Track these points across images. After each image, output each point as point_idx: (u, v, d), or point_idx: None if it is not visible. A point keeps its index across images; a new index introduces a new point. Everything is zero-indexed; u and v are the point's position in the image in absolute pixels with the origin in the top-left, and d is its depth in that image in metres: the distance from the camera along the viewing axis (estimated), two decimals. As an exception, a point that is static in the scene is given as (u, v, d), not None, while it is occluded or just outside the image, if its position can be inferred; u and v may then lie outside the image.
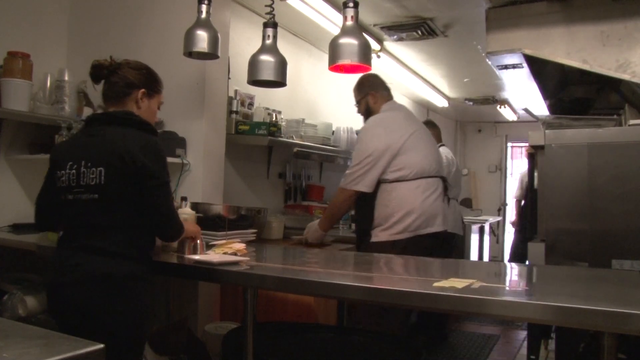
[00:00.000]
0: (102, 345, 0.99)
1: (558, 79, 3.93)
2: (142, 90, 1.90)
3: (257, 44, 2.80)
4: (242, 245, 2.23)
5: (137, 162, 1.72)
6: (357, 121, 3.16)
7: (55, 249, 1.82)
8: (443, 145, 4.55)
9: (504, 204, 8.34)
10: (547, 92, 4.16)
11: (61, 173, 1.78)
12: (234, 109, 3.46)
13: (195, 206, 2.50)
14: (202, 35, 2.55)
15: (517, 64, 4.81)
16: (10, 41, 2.91)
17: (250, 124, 3.46)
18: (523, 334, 4.53)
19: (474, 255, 5.67)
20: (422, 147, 2.87)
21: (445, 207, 2.94)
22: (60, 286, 1.71)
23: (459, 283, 1.58)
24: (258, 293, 2.16)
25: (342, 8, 2.44)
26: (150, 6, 3.07)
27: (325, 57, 2.49)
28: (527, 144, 2.85)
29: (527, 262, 2.75)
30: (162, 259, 2.05)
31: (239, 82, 3.40)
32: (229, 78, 3.23)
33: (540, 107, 5.28)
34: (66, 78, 3.02)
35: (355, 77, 3.09)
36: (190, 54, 2.64)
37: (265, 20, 2.79)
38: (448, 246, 4.15)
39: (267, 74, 2.75)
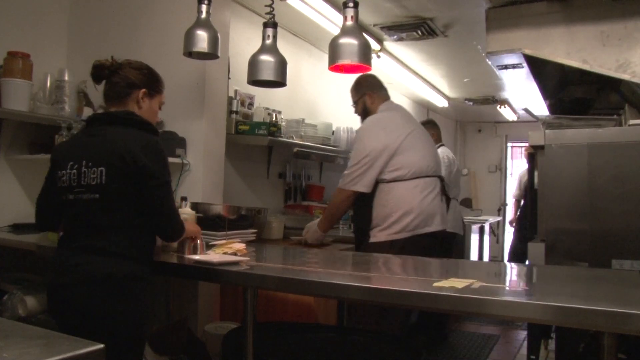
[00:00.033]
0: (102, 345, 0.99)
1: (558, 79, 3.93)
2: (143, 90, 1.90)
3: (257, 44, 2.80)
4: (242, 245, 2.23)
5: (138, 162, 1.72)
6: (357, 121, 3.17)
7: (55, 249, 1.82)
8: (442, 145, 4.54)
9: (504, 204, 8.34)
10: (547, 92, 4.16)
11: (62, 173, 1.78)
12: (234, 109, 3.46)
13: (195, 206, 2.51)
14: (202, 35, 2.55)
15: (517, 64, 4.81)
16: (10, 41, 2.91)
17: (250, 124, 3.46)
18: (523, 334, 4.53)
19: (474, 255, 5.67)
20: (420, 147, 2.87)
21: (443, 206, 2.94)
22: (61, 286, 1.71)
23: (459, 283, 1.58)
24: (258, 293, 2.16)
25: (342, 8, 2.44)
26: (150, 6, 3.07)
27: (325, 57, 2.49)
28: (527, 144, 2.85)
29: (527, 262, 2.75)
30: (162, 259, 2.05)
31: (239, 82, 3.40)
32: (229, 78, 3.23)
33: (540, 107, 5.28)
34: (66, 78, 3.02)
35: (355, 77, 3.10)
36: (190, 54, 2.64)
37: (265, 20, 2.79)
38: (449, 246, 4.16)
39: (267, 74, 2.75)
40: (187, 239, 2.09)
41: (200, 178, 2.90)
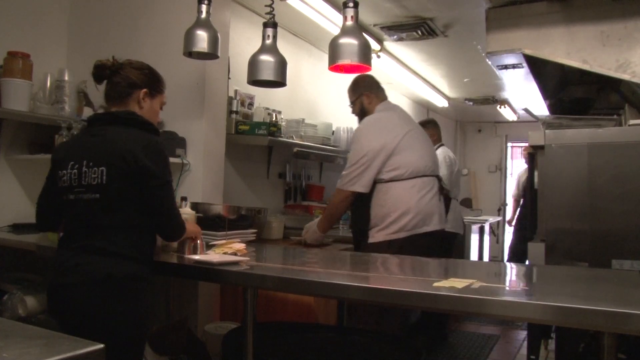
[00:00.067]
0: (102, 345, 0.99)
1: (558, 79, 3.93)
2: (144, 90, 1.90)
3: (257, 44, 2.80)
4: (242, 245, 2.23)
5: (138, 162, 1.72)
6: (356, 121, 3.17)
7: (55, 250, 1.82)
8: (442, 145, 4.54)
9: (504, 204, 8.33)
10: (547, 92, 4.16)
11: (63, 173, 1.78)
12: (234, 109, 3.46)
13: (195, 206, 2.51)
14: (202, 35, 2.55)
15: (517, 64, 4.81)
16: (10, 41, 2.91)
17: (250, 124, 3.46)
18: (523, 334, 4.53)
19: (474, 255, 5.67)
20: (417, 147, 2.87)
21: (441, 206, 2.94)
22: (61, 287, 1.71)
23: (459, 283, 1.58)
24: (258, 293, 2.16)
25: (342, 8, 2.44)
26: (150, 6, 3.07)
27: (325, 57, 2.49)
28: (526, 144, 2.85)
29: (527, 262, 2.75)
30: (162, 259, 2.05)
31: (239, 82, 3.40)
32: (229, 78, 3.23)
33: (540, 107, 5.28)
34: (66, 78, 3.02)
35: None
36: (190, 54, 2.64)
37: (265, 20, 2.79)
38: (449, 246, 4.16)
39: (267, 74, 2.75)
40: (187, 239, 2.09)
41: (200, 178, 2.90)
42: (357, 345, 2.42)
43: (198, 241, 2.11)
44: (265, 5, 2.76)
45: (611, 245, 2.30)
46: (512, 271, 2.35)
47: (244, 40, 3.60)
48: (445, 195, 3.21)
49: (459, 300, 1.46)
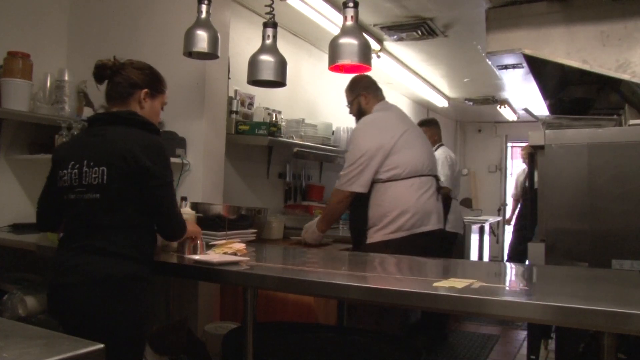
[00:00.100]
0: (102, 345, 0.99)
1: (558, 79, 3.93)
2: (145, 90, 1.90)
3: (257, 44, 2.80)
4: (242, 245, 2.23)
5: (139, 162, 1.72)
6: (354, 121, 3.17)
7: (56, 250, 1.82)
8: (442, 145, 4.54)
9: (504, 204, 8.33)
10: (547, 92, 4.16)
11: (63, 173, 1.78)
12: (234, 109, 3.46)
13: (195, 206, 2.51)
14: (202, 35, 2.55)
15: (517, 64, 4.81)
16: (10, 41, 2.91)
17: (250, 124, 3.46)
18: (523, 334, 4.53)
19: (474, 255, 5.67)
20: (415, 146, 2.87)
21: (439, 205, 2.94)
22: (61, 287, 1.71)
23: (459, 283, 1.58)
24: (258, 293, 2.16)
25: (342, 8, 2.44)
26: (150, 6, 3.07)
27: (325, 57, 2.49)
28: (526, 144, 2.85)
29: (527, 262, 2.75)
30: (162, 259, 2.05)
31: (239, 82, 3.40)
32: (229, 78, 3.23)
33: (540, 107, 5.28)
34: (66, 78, 3.02)
35: (353, 78, 3.10)
36: (190, 54, 2.64)
37: (265, 20, 2.79)
38: (449, 246, 4.16)
39: (267, 74, 2.75)
40: (187, 239, 2.09)
41: (200, 178, 2.90)
42: (357, 345, 2.42)
43: (198, 241, 2.12)
44: (265, 5, 2.76)
45: (611, 245, 2.30)
46: (512, 271, 2.35)
47: (244, 40, 3.60)
48: (447, 195, 3.21)
49: (459, 300, 1.46)
